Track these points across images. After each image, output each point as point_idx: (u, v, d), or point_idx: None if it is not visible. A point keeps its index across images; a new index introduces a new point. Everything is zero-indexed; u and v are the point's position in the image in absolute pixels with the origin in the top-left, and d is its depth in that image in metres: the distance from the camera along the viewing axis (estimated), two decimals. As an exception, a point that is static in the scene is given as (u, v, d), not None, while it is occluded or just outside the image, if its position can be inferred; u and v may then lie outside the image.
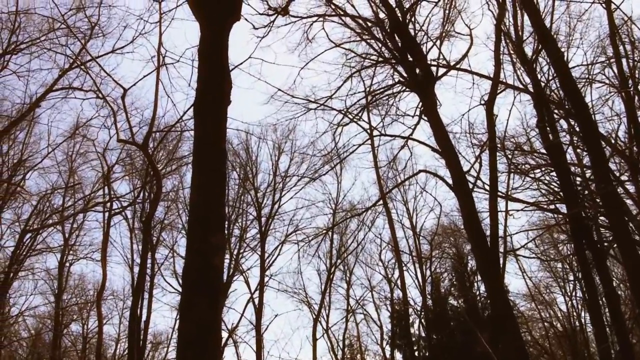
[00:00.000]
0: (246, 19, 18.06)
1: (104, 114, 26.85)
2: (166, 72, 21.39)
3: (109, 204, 30.56)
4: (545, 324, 36.47)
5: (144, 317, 28.51)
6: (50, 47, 24.05)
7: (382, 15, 21.19)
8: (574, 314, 33.97)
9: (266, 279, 34.09)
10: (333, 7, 22.39)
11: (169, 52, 22.80)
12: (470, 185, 18.26)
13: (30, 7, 24.75)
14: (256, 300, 33.24)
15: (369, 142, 24.87)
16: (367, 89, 22.45)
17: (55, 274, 33.05)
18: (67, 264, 33.74)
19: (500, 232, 21.75)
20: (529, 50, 22.72)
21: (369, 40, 22.66)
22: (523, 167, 24.14)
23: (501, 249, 24.10)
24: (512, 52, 23.36)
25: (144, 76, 21.51)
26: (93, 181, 32.99)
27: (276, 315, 34.21)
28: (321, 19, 22.69)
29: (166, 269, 34.07)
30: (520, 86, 22.87)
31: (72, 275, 35.57)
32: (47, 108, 27.68)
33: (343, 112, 22.40)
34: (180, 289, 31.51)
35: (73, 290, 36.85)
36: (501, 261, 23.04)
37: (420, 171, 24.18)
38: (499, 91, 20.93)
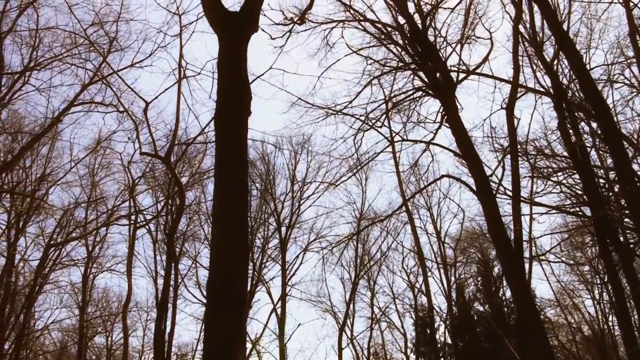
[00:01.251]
0: (263, 30, 18.19)
1: (127, 127, 27.01)
2: (187, 84, 21.63)
3: (133, 217, 30.75)
4: (572, 328, 36.11)
5: (168, 329, 28.58)
6: (71, 63, 24.28)
7: (401, 20, 21.16)
8: (601, 317, 33.64)
9: (288, 288, 34.05)
10: (352, 12, 22.42)
11: (190, 64, 23.05)
12: (494, 190, 18.11)
13: (50, 23, 25.12)
14: (279, 310, 33.22)
15: (390, 148, 24.86)
16: (388, 95, 22.45)
17: (80, 287, 33.26)
18: (91, 277, 33.95)
19: (525, 237, 21.59)
20: (550, 51, 22.59)
21: (388, 45, 22.64)
22: (545, 170, 23.95)
23: (526, 254, 23.93)
24: (531, 54, 23.24)
25: (166, 89, 21.71)
26: (115, 194, 33.20)
27: (299, 325, 34.17)
28: (341, 24, 22.76)
29: (189, 280, 34.18)
30: (541, 89, 22.74)
31: (95, 288, 35.83)
32: (69, 123, 27.86)
33: (363, 118, 22.42)
34: (203, 300, 31.88)
35: (97, 303, 37.14)
36: (527, 266, 22.85)
37: (442, 176, 24.07)
38: (519, 95, 20.81)
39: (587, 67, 20.76)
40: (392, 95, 22.47)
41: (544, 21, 21.38)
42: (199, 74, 20.04)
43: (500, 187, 20.82)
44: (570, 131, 21.45)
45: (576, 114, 21.94)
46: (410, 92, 22.25)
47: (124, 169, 30.53)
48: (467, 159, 18.16)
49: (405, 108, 22.90)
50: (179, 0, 21.76)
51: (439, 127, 20.96)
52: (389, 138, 23.56)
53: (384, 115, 22.94)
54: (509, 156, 19.16)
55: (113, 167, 32.38)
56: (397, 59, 22.45)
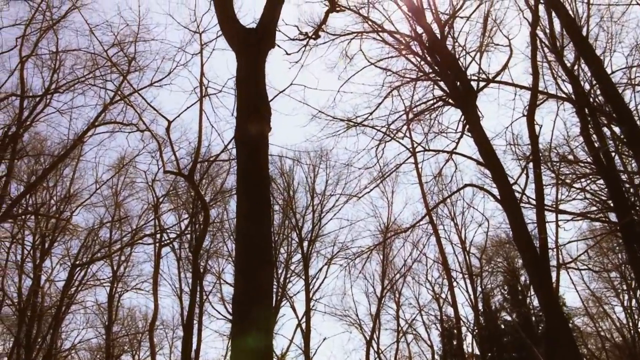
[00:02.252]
0: (279, 46, 18.24)
1: (149, 145, 27.21)
2: (210, 102, 21.75)
3: (158, 236, 30.85)
4: (601, 335, 35.64)
5: (194, 346, 28.59)
6: (92, 84, 24.55)
7: (419, 30, 21.14)
8: (631, 324, 33.19)
9: (312, 303, 33.95)
10: (370, 24, 22.42)
11: (212, 82, 23.19)
12: (518, 199, 17.94)
13: (71, 45, 25.40)
14: (303, 325, 33.13)
15: (412, 159, 24.78)
16: (408, 106, 22.40)
17: (106, 307, 33.39)
18: (117, 296, 34.09)
19: (551, 244, 21.40)
20: (571, 56, 22.46)
21: (407, 56, 22.61)
22: (569, 177, 23.74)
23: (553, 262, 23.69)
24: (551, 60, 23.09)
25: (188, 107, 21.83)
26: (139, 213, 33.37)
27: (324, 339, 34.10)
28: (359, 36, 22.77)
29: (213, 296, 34.22)
30: (562, 95, 22.58)
31: (121, 307, 35.95)
32: (94, 145, 28.13)
33: (384, 129, 22.38)
34: (228, 316, 31.88)
35: (123, 322, 37.22)
36: (554, 274, 22.64)
37: (465, 185, 23.88)
38: (539, 101, 20.67)
39: (608, 70, 20.68)
40: (413, 105, 22.44)
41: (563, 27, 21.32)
42: (220, 91, 20.18)
43: (524, 196, 20.75)
44: (594, 136, 21.31)
45: (599, 119, 21.78)
46: (431, 102, 22.22)
47: (148, 188, 30.76)
48: (490, 167, 18.05)
49: (427, 118, 22.84)
50: (199, 18, 22.11)
51: (461, 137, 20.87)
52: (411, 149, 23.48)
53: (405, 126, 22.90)
54: (531, 164, 19.05)
55: (136, 185, 32.63)
56: (417, 69, 22.42)
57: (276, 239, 33.61)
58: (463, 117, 19.88)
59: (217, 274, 34.64)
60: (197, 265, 28.05)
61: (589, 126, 21.26)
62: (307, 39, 19.94)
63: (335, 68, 22.91)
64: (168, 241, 31.88)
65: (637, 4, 21.09)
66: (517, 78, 31.31)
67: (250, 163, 9.25)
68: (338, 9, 17.97)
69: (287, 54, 19.76)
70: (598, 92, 21.38)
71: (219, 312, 33.24)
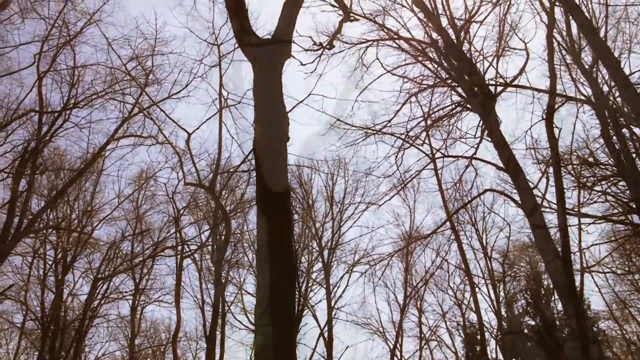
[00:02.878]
0: (294, 57, 18.29)
1: (169, 158, 27.29)
2: (229, 113, 21.83)
3: (180, 248, 30.92)
4: (626, 338, 35.25)
5: (217, 357, 28.63)
6: (111, 97, 24.75)
7: (435, 35, 21.10)
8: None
9: (334, 311, 33.85)
10: (386, 31, 22.38)
11: (231, 93, 23.32)
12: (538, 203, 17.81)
13: (87, 60, 25.63)
14: (325, 334, 33.05)
15: (432, 165, 24.71)
16: (426, 112, 22.35)
17: (129, 320, 33.54)
18: (139, 309, 34.20)
19: (574, 248, 21.21)
20: (588, 59, 22.32)
21: (424, 62, 22.56)
22: (589, 180, 23.53)
23: (577, 266, 23.50)
24: (569, 62, 22.94)
25: (207, 119, 21.93)
26: (160, 226, 33.49)
27: (347, 347, 33.97)
28: (374, 44, 22.73)
29: (235, 307, 34.22)
30: (581, 97, 22.42)
31: (144, 319, 36.08)
32: (115, 159, 28.25)
33: (403, 136, 22.33)
34: (250, 326, 31.89)
35: (146, 334, 37.32)
36: (578, 278, 22.44)
37: (485, 190, 23.75)
38: (558, 104, 20.52)
39: (627, 71, 20.47)
40: (431, 112, 22.38)
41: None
42: (239, 102, 20.25)
43: (545, 200, 20.59)
44: (614, 138, 21.11)
45: (618, 120, 21.58)
46: (449, 107, 22.16)
47: (169, 200, 30.83)
48: (510, 173, 17.92)
49: (445, 124, 22.76)
50: (217, 31, 22.24)
51: (480, 142, 20.77)
52: (430, 155, 23.41)
53: (424, 133, 22.85)
54: (551, 167, 18.90)
55: (157, 198, 32.71)
56: (434, 75, 22.38)
57: (297, 248, 33.56)
58: (482, 122, 19.79)
59: (238, 284, 34.68)
60: (220, 277, 28.13)
61: (609, 128, 21.08)
62: (322, 49, 19.97)
63: (352, 77, 22.87)
64: (189, 253, 31.97)
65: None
66: (535, 81, 31.18)
67: (268, 173, 9.25)
68: (352, 18, 18.00)
69: (302, 64, 19.79)
70: (617, 93, 21.24)
71: (241, 322, 33.26)
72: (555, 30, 21.07)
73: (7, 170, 23.05)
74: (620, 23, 22.71)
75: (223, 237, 28.16)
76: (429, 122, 22.40)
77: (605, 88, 21.80)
